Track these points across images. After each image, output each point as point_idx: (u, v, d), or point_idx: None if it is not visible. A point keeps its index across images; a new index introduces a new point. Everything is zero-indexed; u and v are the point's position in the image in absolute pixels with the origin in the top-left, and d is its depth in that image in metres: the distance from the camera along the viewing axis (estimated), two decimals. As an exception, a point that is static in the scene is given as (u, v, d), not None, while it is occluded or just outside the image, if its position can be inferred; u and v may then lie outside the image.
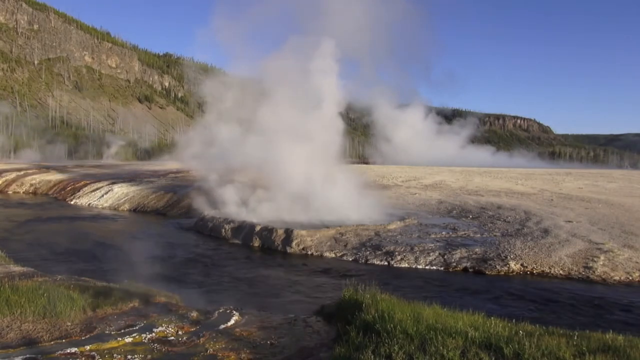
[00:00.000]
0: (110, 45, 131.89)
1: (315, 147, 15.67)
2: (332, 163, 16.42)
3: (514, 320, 4.85)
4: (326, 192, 15.41)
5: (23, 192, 29.69)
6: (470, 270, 10.21)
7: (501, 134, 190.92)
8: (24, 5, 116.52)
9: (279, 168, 15.54)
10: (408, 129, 67.08)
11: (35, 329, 4.91)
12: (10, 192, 29.85)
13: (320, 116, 16.00)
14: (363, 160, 70.50)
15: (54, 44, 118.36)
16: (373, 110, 72.63)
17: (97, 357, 4.39)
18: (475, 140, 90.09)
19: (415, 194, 20.96)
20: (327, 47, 16.43)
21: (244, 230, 13.73)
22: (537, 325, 4.79)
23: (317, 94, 16.15)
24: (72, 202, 24.34)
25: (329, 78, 16.45)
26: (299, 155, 15.37)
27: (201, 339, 4.92)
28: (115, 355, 4.45)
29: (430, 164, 51.74)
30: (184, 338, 4.96)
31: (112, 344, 4.71)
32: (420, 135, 67.66)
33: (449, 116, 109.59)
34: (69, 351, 4.48)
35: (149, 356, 4.49)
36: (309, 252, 12.01)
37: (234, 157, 16.85)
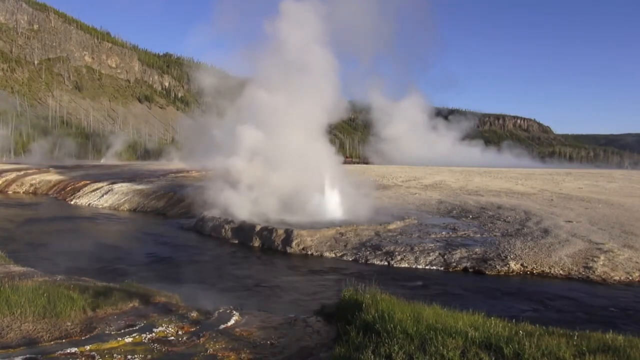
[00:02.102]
0: (110, 45, 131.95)
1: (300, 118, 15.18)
2: (316, 134, 15.78)
3: (514, 320, 4.84)
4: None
5: (23, 192, 29.70)
6: (470, 270, 10.21)
7: (501, 134, 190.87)
8: (24, 5, 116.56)
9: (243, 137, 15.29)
10: (400, 124, 67.15)
11: (35, 329, 4.91)
12: (10, 192, 29.86)
13: (302, 77, 15.49)
14: (363, 160, 70.50)
15: (54, 44, 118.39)
16: (370, 107, 72.72)
17: (97, 357, 4.39)
18: (469, 137, 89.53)
19: (416, 194, 20.96)
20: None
21: (244, 230, 13.73)
22: (537, 325, 4.79)
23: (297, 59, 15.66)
24: (72, 202, 24.35)
25: (301, 29, 15.83)
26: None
27: (201, 339, 4.92)
28: (115, 355, 4.45)
29: (420, 161, 52.00)
30: (184, 338, 4.96)
31: (112, 344, 4.71)
32: (411, 131, 67.66)
33: (446, 115, 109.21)
34: (69, 351, 4.48)
35: (149, 356, 4.49)
36: (309, 252, 12.01)
37: (227, 153, 16.65)
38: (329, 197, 15.18)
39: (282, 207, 15.24)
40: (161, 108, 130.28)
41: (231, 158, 16.01)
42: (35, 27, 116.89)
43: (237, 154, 15.94)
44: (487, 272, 9.97)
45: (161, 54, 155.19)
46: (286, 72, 15.98)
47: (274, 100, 15.63)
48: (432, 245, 11.62)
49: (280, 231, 12.79)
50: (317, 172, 15.36)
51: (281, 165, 15.29)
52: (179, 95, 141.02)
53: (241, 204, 15.38)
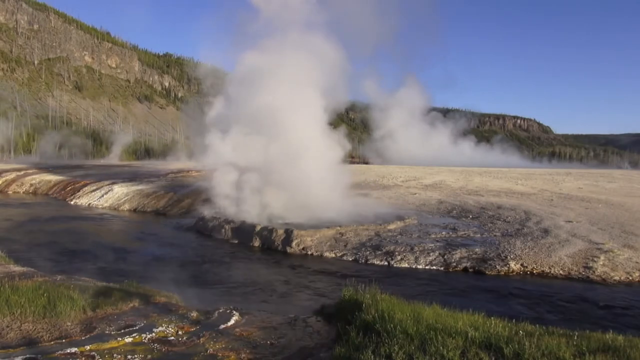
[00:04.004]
0: (110, 45, 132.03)
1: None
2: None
3: (514, 320, 4.84)
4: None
5: (23, 192, 29.69)
6: (470, 270, 10.21)
7: (501, 134, 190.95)
8: (24, 5, 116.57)
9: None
10: (398, 115, 66.99)
11: (35, 329, 4.91)
12: (10, 192, 29.85)
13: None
14: (363, 160, 70.41)
15: (54, 44, 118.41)
16: (368, 105, 72.42)
17: (97, 357, 4.39)
18: (460, 135, 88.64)
19: (416, 193, 20.95)
20: None
21: (244, 230, 13.73)
22: (537, 325, 4.79)
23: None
24: (72, 202, 24.34)
25: None
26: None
27: (201, 339, 4.92)
28: (115, 355, 4.45)
29: (413, 158, 52.18)
30: (184, 338, 4.96)
31: (112, 344, 4.71)
32: (407, 126, 67.41)
33: (443, 114, 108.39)
34: (69, 351, 4.48)
35: (149, 356, 4.49)
36: (309, 252, 12.01)
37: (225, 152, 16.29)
38: (327, 195, 14.97)
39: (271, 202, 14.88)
40: (161, 108, 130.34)
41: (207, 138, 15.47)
42: (35, 27, 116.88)
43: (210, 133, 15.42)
44: (487, 272, 9.98)
45: (161, 54, 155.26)
46: (273, 34, 15.58)
47: (258, 62, 15.04)
48: (432, 245, 11.62)
49: (280, 231, 12.79)
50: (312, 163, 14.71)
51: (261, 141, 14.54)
52: (179, 95, 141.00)
53: (224, 195, 15.13)
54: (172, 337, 4.96)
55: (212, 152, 15.52)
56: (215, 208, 15.82)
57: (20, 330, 4.85)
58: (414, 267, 10.55)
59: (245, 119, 15.19)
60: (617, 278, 9.33)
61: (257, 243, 13.06)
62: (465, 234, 12.81)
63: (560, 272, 9.70)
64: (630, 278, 9.33)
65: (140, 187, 24.67)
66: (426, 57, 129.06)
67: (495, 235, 12.42)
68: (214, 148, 15.43)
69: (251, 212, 14.67)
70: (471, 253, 10.87)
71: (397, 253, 11.15)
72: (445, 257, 10.79)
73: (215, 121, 15.78)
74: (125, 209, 21.69)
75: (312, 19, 16.00)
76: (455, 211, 16.45)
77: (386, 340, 4.11)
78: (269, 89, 14.77)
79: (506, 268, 9.99)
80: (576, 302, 8.11)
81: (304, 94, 15.08)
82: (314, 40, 15.68)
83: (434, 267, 10.48)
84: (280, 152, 14.49)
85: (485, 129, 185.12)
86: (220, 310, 5.89)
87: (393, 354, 3.86)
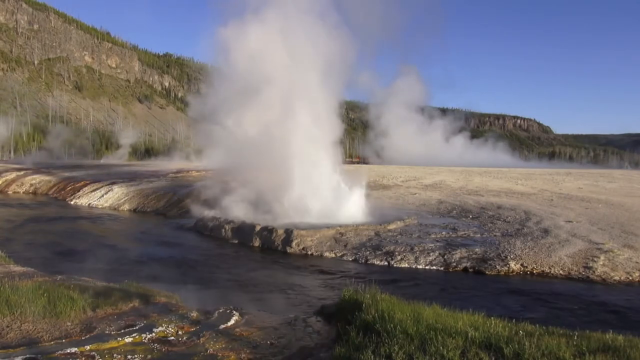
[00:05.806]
0: (110, 45, 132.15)
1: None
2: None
3: (514, 320, 4.84)
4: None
5: (23, 192, 29.70)
6: (470, 270, 10.21)
7: (501, 134, 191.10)
8: (24, 5, 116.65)
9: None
10: (395, 109, 66.98)
11: (35, 329, 4.90)
12: (10, 192, 29.86)
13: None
14: (363, 160, 70.41)
15: (54, 44, 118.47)
16: (367, 105, 72.52)
17: (97, 357, 4.39)
18: (453, 133, 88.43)
19: (416, 194, 20.95)
20: None
21: (244, 230, 13.72)
22: (537, 325, 4.79)
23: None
24: (72, 202, 24.35)
25: None
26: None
27: (201, 339, 4.92)
28: (115, 355, 4.44)
29: (408, 157, 52.27)
30: (184, 338, 4.96)
31: (112, 344, 4.70)
32: (403, 123, 67.40)
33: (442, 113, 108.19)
34: (69, 351, 4.48)
35: (149, 356, 4.49)
36: (309, 252, 12.01)
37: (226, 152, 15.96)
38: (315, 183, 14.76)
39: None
40: (161, 108, 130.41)
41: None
42: (35, 27, 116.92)
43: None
44: (487, 272, 9.97)
45: (161, 54, 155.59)
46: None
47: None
48: (432, 245, 11.62)
49: (280, 231, 12.78)
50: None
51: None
52: (179, 95, 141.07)
53: (211, 187, 14.98)
54: (172, 337, 4.96)
55: (206, 147, 15.39)
56: (205, 203, 15.81)
57: (20, 330, 4.85)
58: (414, 267, 10.55)
59: (228, 102, 14.92)
60: (617, 278, 9.33)
61: (257, 243, 13.05)
62: (465, 234, 12.80)
63: (560, 272, 9.70)
64: (630, 278, 9.33)
65: (140, 187, 24.68)
66: (426, 57, 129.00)
67: (495, 235, 12.42)
68: (206, 142, 15.33)
69: (237, 205, 14.74)
70: (471, 253, 10.87)
71: (397, 253, 11.15)
72: (445, 257, 10.79)
73: (208, 115, 15.63)
74: (125, 209, 21.69)
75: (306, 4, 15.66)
76: (455, 211, 16.45)
77: (386, 340, 4.11)
78: (244, 57, 14.22)
79: (506, 268, 9.99)
80: (576, 302, 8.11)
81: (286, 63, 14.41)
82: (307, 18, 15.30)
83: (434, 267, 10.47)
84: (258, 127, 13.90)
85: (485, 128, 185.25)
86: (220, 310, 5.89)
87: (393, 354, 3.86)
